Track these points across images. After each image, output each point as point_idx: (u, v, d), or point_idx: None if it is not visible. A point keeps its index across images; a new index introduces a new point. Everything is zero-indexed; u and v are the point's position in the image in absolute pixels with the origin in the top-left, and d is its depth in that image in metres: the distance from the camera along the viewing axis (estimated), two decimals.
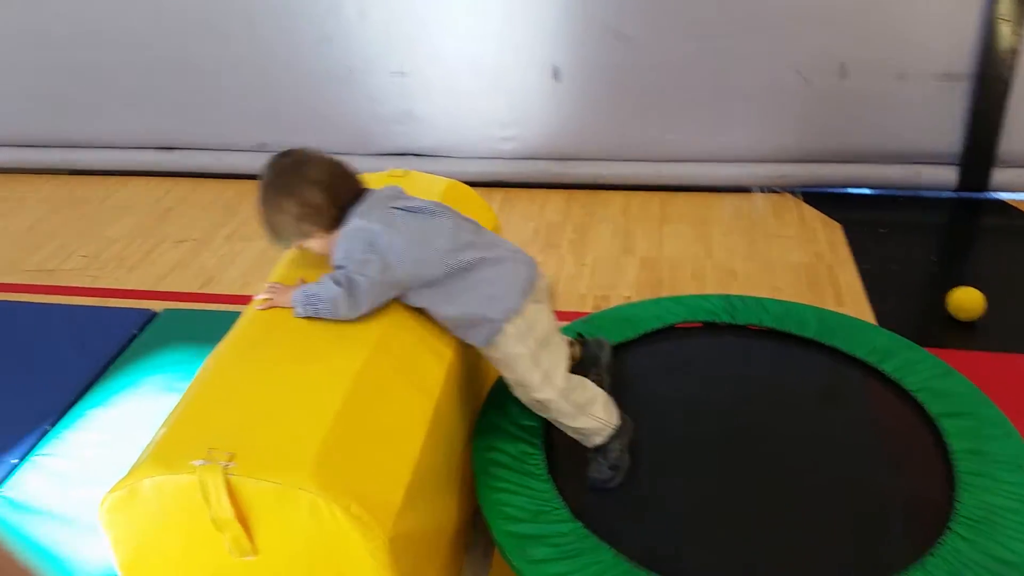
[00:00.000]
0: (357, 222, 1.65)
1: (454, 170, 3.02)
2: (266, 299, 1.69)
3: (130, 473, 1.36)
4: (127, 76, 3.85)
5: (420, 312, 1.72)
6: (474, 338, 1.72)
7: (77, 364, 2.47)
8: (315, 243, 1.71)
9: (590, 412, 1.75)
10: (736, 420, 1.92)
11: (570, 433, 1.79)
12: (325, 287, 1.60)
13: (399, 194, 1.76)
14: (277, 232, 1.72)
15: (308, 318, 1.61)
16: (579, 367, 1.91)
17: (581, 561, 1.56)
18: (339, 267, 1.62)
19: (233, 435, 1.35)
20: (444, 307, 1.69)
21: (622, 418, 1.80)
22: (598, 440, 1.77)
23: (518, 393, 1.76)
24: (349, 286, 1.58)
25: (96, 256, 3.37)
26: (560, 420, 1.77)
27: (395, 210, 1.68)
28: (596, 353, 1.97)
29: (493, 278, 1.68)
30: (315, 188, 1.66)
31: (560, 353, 1.75)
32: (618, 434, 1.78)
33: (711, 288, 2.90)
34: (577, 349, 1.97)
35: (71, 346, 2.56)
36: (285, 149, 1.72)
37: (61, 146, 4.11)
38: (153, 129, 3.98)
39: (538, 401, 1.74)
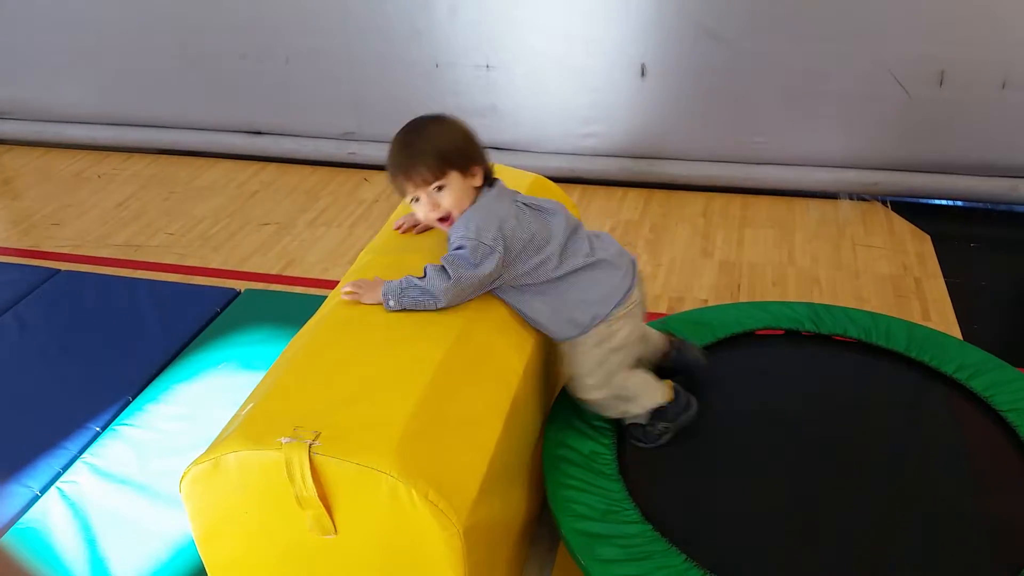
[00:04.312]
0: (491, 200, 1.66)
1: (533, 165, 3.01)
2: (351, 292, 1.67)
3: (215, 447, 1.39)
4: (221, 60, 3.93)
5: (501, 304, 1.72)
6: (554, 333, 1.74)
7: (161, 338, 2.52)
8: (454, 186, 1.63)
9: (625, 411, 1.81)
10: (816, 432, 1.87)
11: None
12: (432, 281, 1.59)
13: (516, 191, 1.76)
14: (442, 151, 1.62)
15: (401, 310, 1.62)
16: (668, 367, 1.93)
17: (650, 564, 1.54)
18: (458, 247, 1.61)
19: (318, 416, 1.37)
20: (533, 302, 1.70)
21: (686, 404, 1.82)
22: (629, 421, 1.83)
23: (565, 382, 1.81)
24: (458, 280, 1.58)
25: (182, 234, 3.45)
26: (597, 412, 1.83)
27: (521, 204, 1.69)
28: (687, 359, 1.97)
29: (589, 284, 1.69)
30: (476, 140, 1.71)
31: (628, 360, 1.78)
32: (660, 416, 1.80)
33: (792, 295, 2.84)
34: (667, 344, 1.98)
35: (155, 320, 2.60)
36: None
37: (152, 126, 4.22)
38: (243, 113, 4.06)
39: (582, 400, 1.80)
